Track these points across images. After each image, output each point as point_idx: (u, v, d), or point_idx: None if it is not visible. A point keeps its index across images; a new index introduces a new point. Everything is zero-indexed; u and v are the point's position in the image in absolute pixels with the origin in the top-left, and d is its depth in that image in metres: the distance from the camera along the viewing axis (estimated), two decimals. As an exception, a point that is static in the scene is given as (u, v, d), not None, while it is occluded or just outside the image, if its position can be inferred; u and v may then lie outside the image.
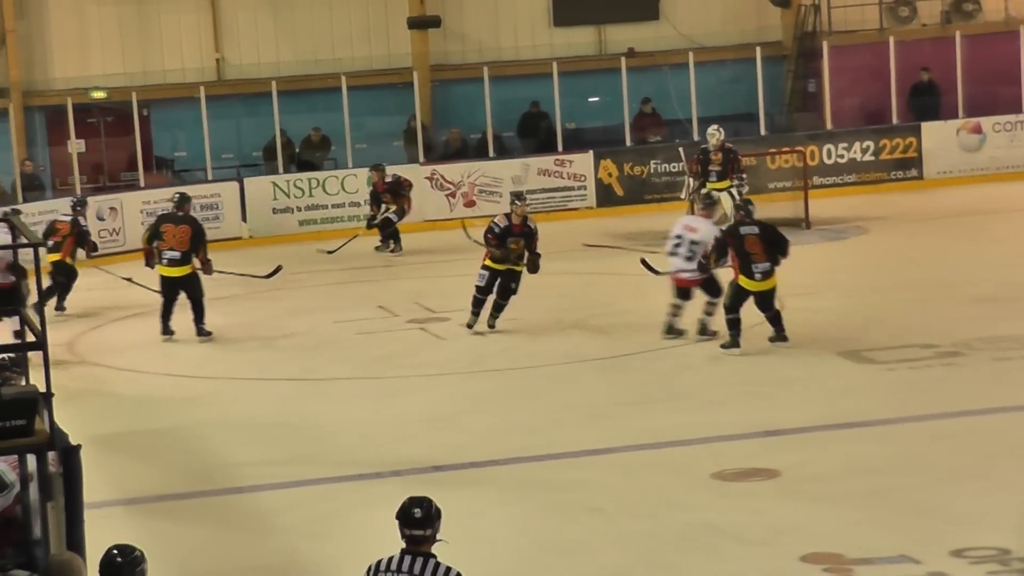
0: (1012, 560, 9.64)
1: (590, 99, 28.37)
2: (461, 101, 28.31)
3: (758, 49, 26.81)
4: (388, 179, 23.89)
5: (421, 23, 28.04)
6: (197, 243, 17.70)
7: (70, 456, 7.92)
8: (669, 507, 11.27)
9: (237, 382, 16.05)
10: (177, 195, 18.91)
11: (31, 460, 8.50)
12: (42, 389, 8.30)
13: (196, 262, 17.63)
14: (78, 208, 20.07)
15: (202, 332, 17.65)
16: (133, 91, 25.63)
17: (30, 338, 8.60)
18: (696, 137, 25.48)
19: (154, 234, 18.00)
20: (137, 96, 25.50)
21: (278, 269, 18.57)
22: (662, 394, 14.60)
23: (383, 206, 23.78)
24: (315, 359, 16.06)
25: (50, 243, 18.74)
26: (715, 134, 22.73)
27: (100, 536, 7.64)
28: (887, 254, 21.17)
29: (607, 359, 16.04)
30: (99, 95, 26.74)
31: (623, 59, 26.94)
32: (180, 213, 18.17)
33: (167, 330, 17.77)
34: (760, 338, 16.25)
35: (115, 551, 6.91)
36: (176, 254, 17.59)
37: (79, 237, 19.54)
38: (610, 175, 26.30)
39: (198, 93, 25.77)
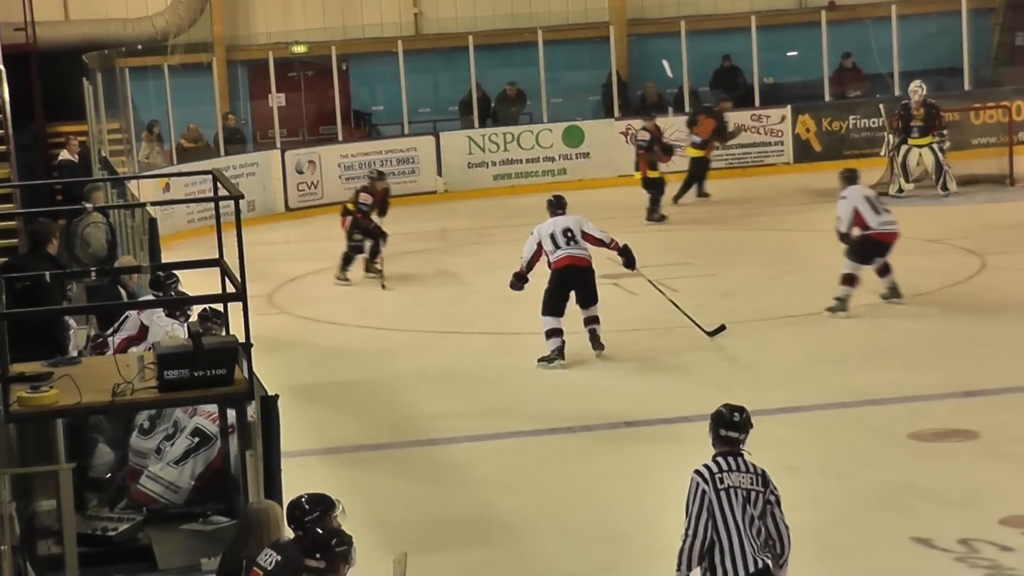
0: None
1: (788, 53, 27.99)
2: (657, 56, 28.12)
3: (964, 1, 26.20)
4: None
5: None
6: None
7: (268, 406, 8.06)
8: (865, 466, 11.17)
9: (432, 335, 16.19)
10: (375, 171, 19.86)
11: (231, 410, 8.69)
12: (242, 340, 8.46)
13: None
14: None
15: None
16: (332, 46, 25.90)
17: (230, 289, 8.76)
18: (897, 92, 25.00)
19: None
20: (336, 51, 25.77)
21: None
22: (860, 352, 14.40)
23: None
24: (509, 313, 16.12)
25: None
26: (917, 90, 22.34)
27: (297, 484, 7.77)
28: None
29: (804, 316, 15.86)
30: (300, 49, 27.10)
31: (823, 12, 26.56)
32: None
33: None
34: (961, 297, 15.99)
35: (304, 499, 7.01)
36: None
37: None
38: (808, 131, 25.95)
39: (396, 47, 25.96)
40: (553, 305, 14.59)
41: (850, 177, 16.14)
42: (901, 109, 22.53)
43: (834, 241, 16.73)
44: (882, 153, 22.83)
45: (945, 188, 22.32)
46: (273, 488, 7.96)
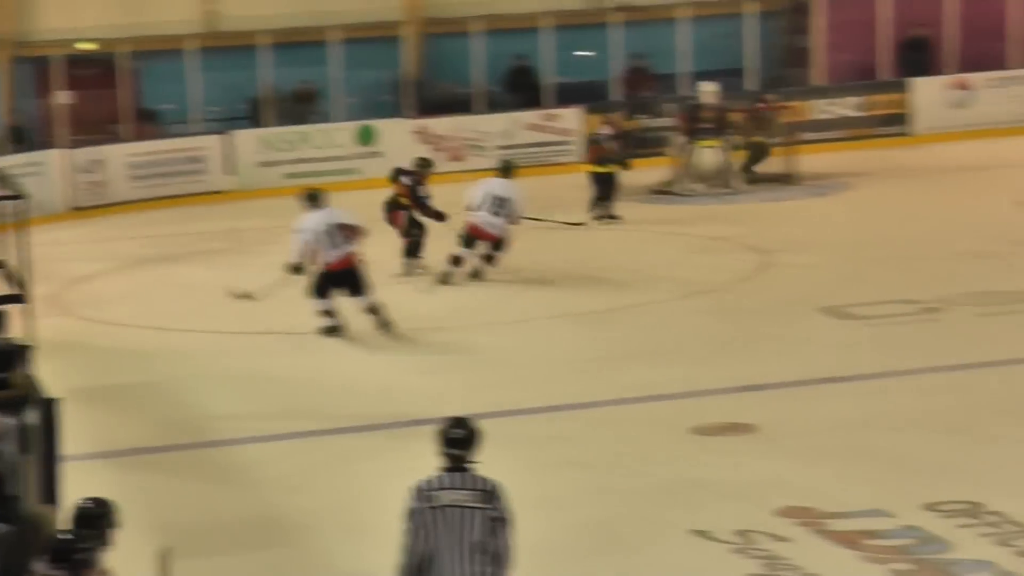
0: (982, 513, 9.73)
1: (579, 53, 28.28)
2: (451, 55, 28.23)
3: (750, 5, 26.78)
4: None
5: (411, -24, 28.00)
6: None
7: (48, 409, 7.99)
8: (650, 461, 11.36)
9: (220, 336, 16.10)
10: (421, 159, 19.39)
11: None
12: (23, 342, 8.37)
13: None
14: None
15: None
16: (122, 43, 25.57)
17: (12, 291, 8.67)
18: (686, 92, 25.48)
19: None
20: (126, 48, 25.45)
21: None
22: (645, 349, 14.65)
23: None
24: (299, 314, 16.08)
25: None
26: (709, 91, 22.78)
27: (79, 489, 7.69)
28: (873, 210, 21.19)
29: (591, 313, 16.10)
30: (87, 46, 26.68)
31: (614, 14, 26.91)
32: None
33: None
34: (744, 294, 16.38)
35: (88, 502, 6.97)
36: None
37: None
38: (598, 130, 26.28)
39: (187, 45, 25.72)
40: (323, 292, 15.26)
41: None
42: (691, 110, 22.93)
43: (622, 238, 17.02)
44: (670, 151, 23.22)
45: (732, 187, 22.82)
46: (52, 492, 7.89)
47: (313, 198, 15.60)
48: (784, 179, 23.19)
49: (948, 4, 27.07)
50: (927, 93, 26.82)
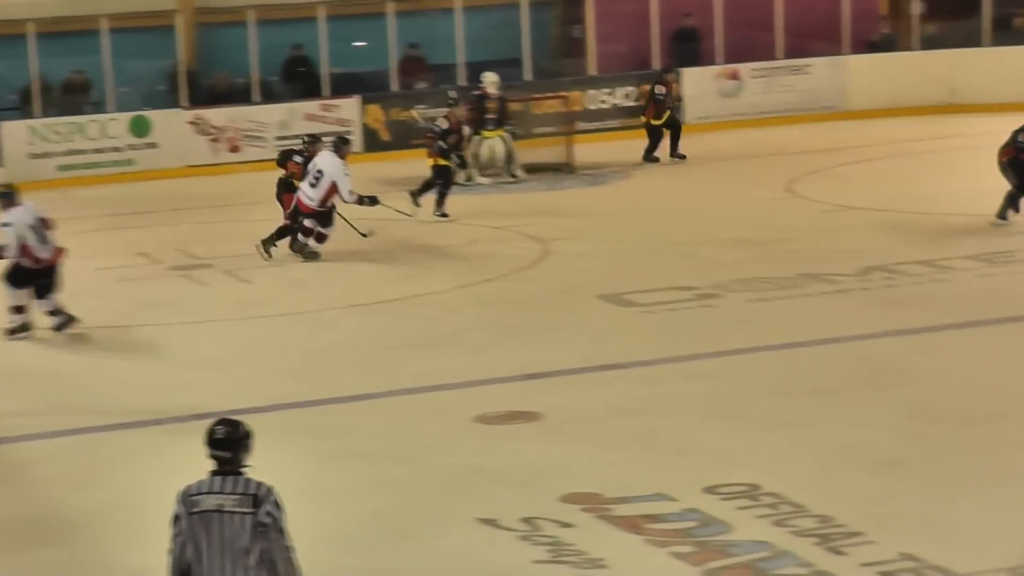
0: (761, 495, 9.95)
1: (356, 44, 28.21)
2: (227, 45, 27.92)
3: (524, -5, 27.00)
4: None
5: (184, -35, 27.68)
6: None
7: None
8: (434, 451, 11.39)
9: (-6, 332, 15.75)
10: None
11: None
12: None
13: None
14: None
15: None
16: None
17: None
18: (463, 82, 25.58)
19: None
20: None
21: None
22: (426, 339, 14.68)
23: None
24: (75, 307, 15.78)
25: None
26: (495, 81, 22.92)
27: None
28: (649, 198, 21.51)
29: (372, 304, 16.09)
30: None
31: (390, 4, 26.88)
32: None
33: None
34: (525, 282, 16.50)
35: None
36: None
37: None
38: (376, 120, 26.28)
39: (-49, 34, 25.10)
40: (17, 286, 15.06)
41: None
42: (476, 100, 23.02)
43: (404, 229, 16.97)
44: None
45: (513, 176, 22.98)
46: None
47: (7, 195, 15.27)
48: (562, 168, 23.41)
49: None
50: (698, 83, 27.27)
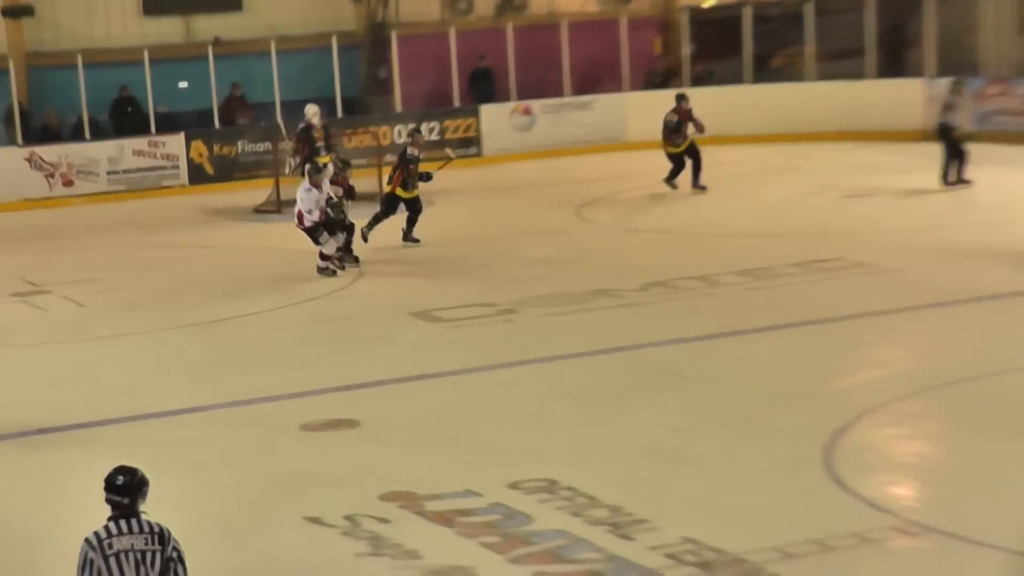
0: (559, 489, 10.10)
1: (180, 84, 27.96)
2: (57, 86, 27.48)
3: (334, 38, 26.99)
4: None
5: (14, 11, 27.23)
6: None
7: None
8: (262, 457, 11.37)
9: None
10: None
11: None
12: None
13: None
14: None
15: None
16: None
17: None
18: (280, 119, 25.52)
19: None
20: None
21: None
22: (253, 355, 14.64)
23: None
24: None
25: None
26: (316, 112, 22.88)
27: None
28: (453, 223, 21.60)
29: (203, 324, 16.00)
30: None
31: (210, 47, 26.74)
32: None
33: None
34: (344, 301, 16.54)
35: None
36: None
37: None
38: (201, 155, 26.09)
39: None
40: None
41: None
42: (303, 132, 22.95)
43: (227, 255, 16.90)
44: (287, 172, 23.17)
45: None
46: None
47: None
48: (374, 197, 23.43)
49: (508, 38, 27.85)
50: (494, 118, 27.52)
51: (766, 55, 29.52)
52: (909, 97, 27.10)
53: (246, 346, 15.02)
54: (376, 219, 19.42)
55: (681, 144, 22.71)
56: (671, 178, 22.90)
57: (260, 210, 23.14)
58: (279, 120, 25.45)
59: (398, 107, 27.70)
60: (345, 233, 18.08)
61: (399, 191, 19.48)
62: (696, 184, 22.71)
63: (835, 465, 10.37)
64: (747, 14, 28.57)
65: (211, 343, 15.29)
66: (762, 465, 10.57)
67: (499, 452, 11.09)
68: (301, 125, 23.07)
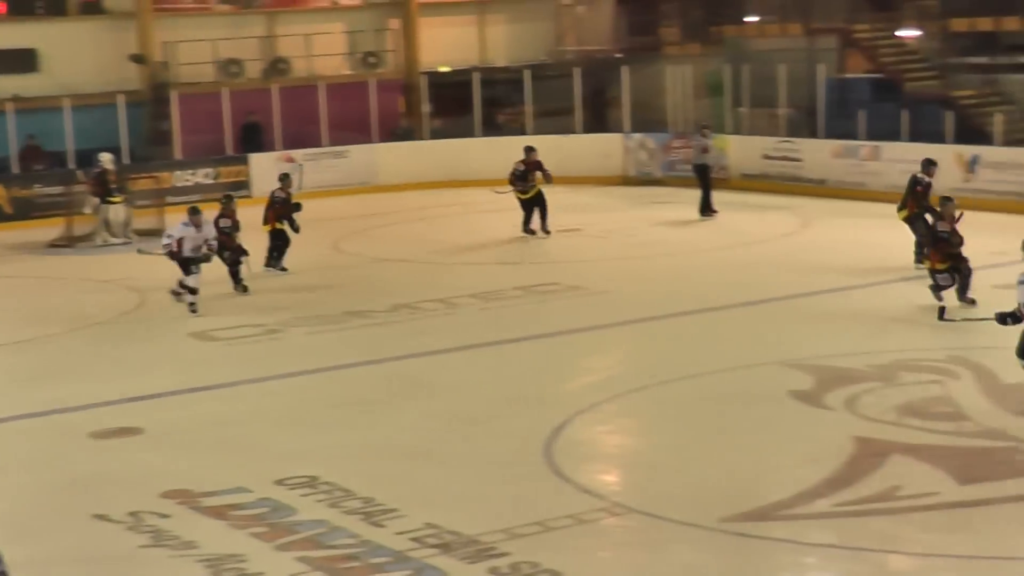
0: (319, 484, 9.92)
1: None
2: None
3: (121, 96, 26.24)
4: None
5: None
6: None
7: None
8: (56, 461, 10.91)
9: None
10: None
11: None
12: None
13: None
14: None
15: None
16: None
17: None
18: (73, 166, 24.69)
19: None
20: None
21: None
22: (48, 371, 14.03)
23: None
24: None
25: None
26: (110, 158, 22.38)
27: None
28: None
29: (3, 345, 15.26)
30: None
31: (7, 103, 25.73)
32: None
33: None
34: (131, 325, 16.00)
35: None
36: None
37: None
38: (0, 197, 25.02)
39: None
40: None
41: None
42: (98, 175, 22.30)
43: (27, 284, 16.14)
44: (87, 211, 22.43)
45: (127, 238, 22.23)
46: None
47: None
48: (157, 233, 22.78)
49: (274, 97, 27.49)
50: (262, 165, 27.05)
51: (492, 113, 29.83)
52: (610, 148, 27.76)
53: (41, 364, 14.39)
54: (274, 254, 18.96)
55: (528, 191, 21.25)
56: (525, 224, 21.19)
57: (54, 245, 22.29)
58: (72, 166, 24.55)
59: (178, 155, 27.04)
60: (232, 258, 17.52)
61: (277, 225, 18.99)
62: (543, 228, 21.14)
63: (555, 457, 10.39)
64: (476, 78, 28.78)
65: (10, 362, 14.59)
66: (493, 459, 10.54)
67: (267, 453, 10.83)
68: (96, 170, 22.40)
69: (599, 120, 29.36)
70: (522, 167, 21.15)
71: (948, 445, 10.26)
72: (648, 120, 28.05)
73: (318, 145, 27.87)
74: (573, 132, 28.09)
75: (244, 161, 27.10)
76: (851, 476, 9.60)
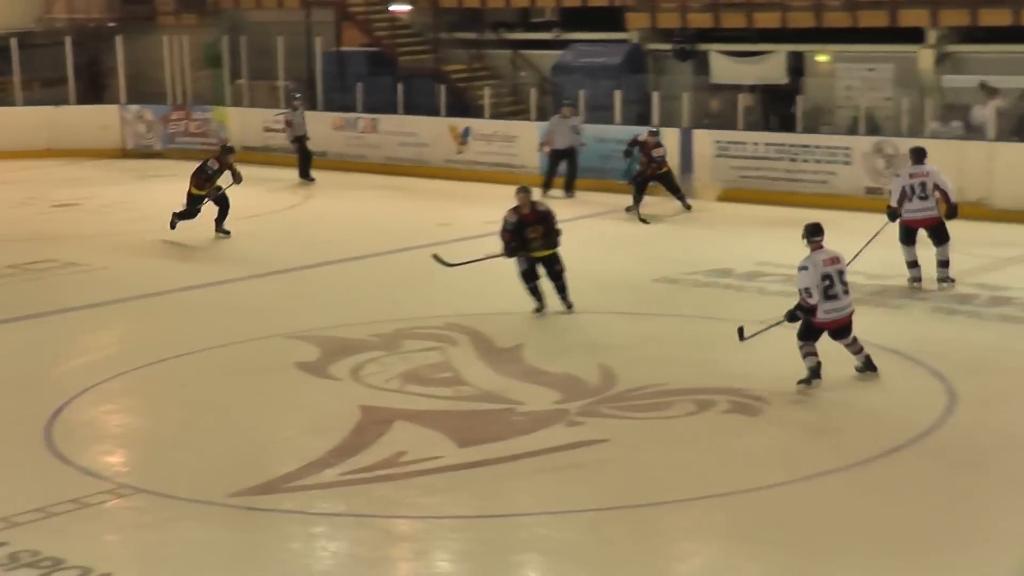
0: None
1: None
2: None
3: None
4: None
5: None
6: None
7: None
8: None
9: None
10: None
11: None
12: None
13: None
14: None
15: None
16: None
17: None
18: None
19: None
20: None
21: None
22: None
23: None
24: None
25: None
26: None
27: None
28: None
29: None
30: None
31: None
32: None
33: None
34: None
35: None
36: None
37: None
38: None
39: None
40: None
41: None
42: None
43: None
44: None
45: None
46: None
47: None
48: None
49: None
50: None
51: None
52: (108, 120, 26.94)
53: None
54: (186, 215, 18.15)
55: (206, 190, 18.15)
56: (219, 223, 18.36)
57: None
58: None
59: None
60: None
61: (194, 191, 18.17)
62: (219, 229, 18.25)
63: (55, 441, 9.98)
64: (-43, 46, 27.03)
65: None
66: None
67: None
68: None
69: (95, 91, 28.33)
70: (216, 166, 18.31)
71: (448, 410, 10.67)
72: (146, 92, 27.36)
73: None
74: (67, 103, 26.99)
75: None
76: (357, 444, 9.80)
